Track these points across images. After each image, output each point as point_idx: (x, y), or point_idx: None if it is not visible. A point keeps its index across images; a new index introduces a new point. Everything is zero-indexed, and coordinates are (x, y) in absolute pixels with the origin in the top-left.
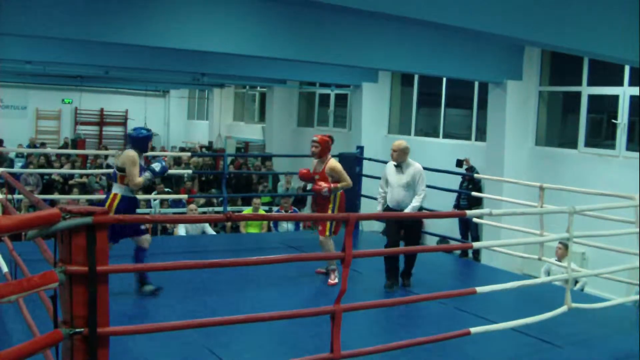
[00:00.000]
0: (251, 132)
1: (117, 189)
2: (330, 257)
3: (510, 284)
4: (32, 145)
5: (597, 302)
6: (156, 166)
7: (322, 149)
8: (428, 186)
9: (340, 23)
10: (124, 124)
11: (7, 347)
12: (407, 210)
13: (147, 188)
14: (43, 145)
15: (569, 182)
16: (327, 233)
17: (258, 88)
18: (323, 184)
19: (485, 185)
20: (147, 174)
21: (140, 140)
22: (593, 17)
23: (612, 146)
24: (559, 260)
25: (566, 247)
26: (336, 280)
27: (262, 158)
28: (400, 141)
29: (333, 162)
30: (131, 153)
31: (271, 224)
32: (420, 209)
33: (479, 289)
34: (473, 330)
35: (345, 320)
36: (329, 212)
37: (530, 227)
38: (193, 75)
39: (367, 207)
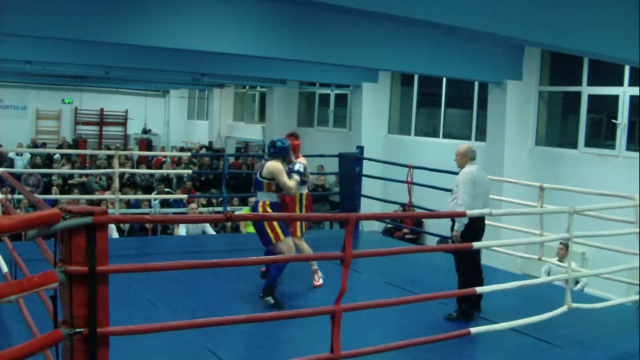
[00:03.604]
0: (251, 132)
1: (265, 197)
2: (328, 258)
3: (510, 284)
4: (33, 145)
5: (597, 302)
6: (299, 167)
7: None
8: (428, 186)
9: (340, 23)
10: (124, 124)
11: (7, 347)
12: (455, 228)
13: (147, 188)
14: (44, 145)
15: (569, 182)
16: (298, 234)
17: (258, 88)
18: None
19: None
20: (296, 176)
21: (287, 150)
22: (593, 17)
23: (612, 146)
24: (560, 260)
25: (567, 247)
26: (321, 282)
27: (262, 158)
28: (460, 146)
29: (303, 159)
30: (277, 164)
31: None
32: (467, 234)
33: (479, 289)
34: (473, 330)
35: (345, 320)
36: (296, 210)
37: (530, 227)
38: (193, 75)
39: (367, 207)
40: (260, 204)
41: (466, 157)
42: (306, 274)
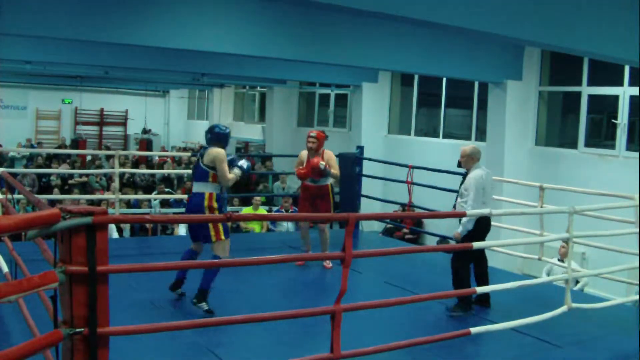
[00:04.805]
0: (251, 132)
1: (210, 188)
2: (328, 257)
3: (510, 284)
4: (29, 145)
5: (597, 302)
6: (243, 163)
7: (320, 144)
8: (428, 186)
9: (340, 23)
10: (124, 124)
11: (7, 347)
12: (457, 230)
13: (148, 188)
14: (40, 145)
15: (569, 182)
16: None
17: (258, 88)
18: (319, 159)
19: None
20: (237, 171)
21: (225, 136)
22: (593, 17)
23: (612, 146)
24: (562, 258)
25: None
26: (331, 264)
27: (262, 158)
28: (466, 146)
29: (330, 153)
30: (221, 150)
31: (269, 224)
32: (473, 235)
33: (479, 289)
34: (473, 330)
35: (345, 320)
36: (331, 200)
37: (530, 227)
38: (193, 75)
39: (367, 207)
40: (207, 196)
41: (472, 159)
42: (306, 275)
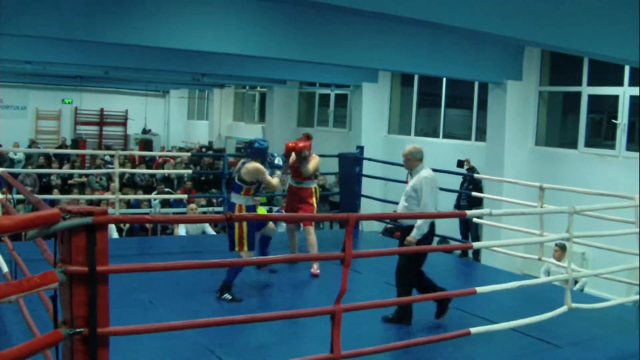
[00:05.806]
0: (251, 132)
1: (241, 200)
2: (328, 258)
3: (510, 284)
4: (31, 145)
5: (597, 302)
6: (279, 161)
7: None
8: None
9: (340, 23)
10: (124, 124)
11: (7, 347)
12: (411, 235)
13: (147, 188)
14: (34, 144)
15: (569, 182)
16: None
17: (258, 88)
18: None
19: (485, 185)
20: (278, 172)
21: (264, 151)
22: (593, 17)
23: (612, 146)
24: (557, 261)
25: (562, 249)
26: (318, 271)
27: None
28: (406, 147)
29: (316, 155)
30: (257, 165)
31: None
32: (426, 236)
33: (479, 289)
34: (473, 330)
35: (345, 320)
36: (314, 202)
37: (530, 227)
38: (193, 75)
39: (367, 207)
40: (237, 207)
41: (414, 159)
42: (306, 275)
